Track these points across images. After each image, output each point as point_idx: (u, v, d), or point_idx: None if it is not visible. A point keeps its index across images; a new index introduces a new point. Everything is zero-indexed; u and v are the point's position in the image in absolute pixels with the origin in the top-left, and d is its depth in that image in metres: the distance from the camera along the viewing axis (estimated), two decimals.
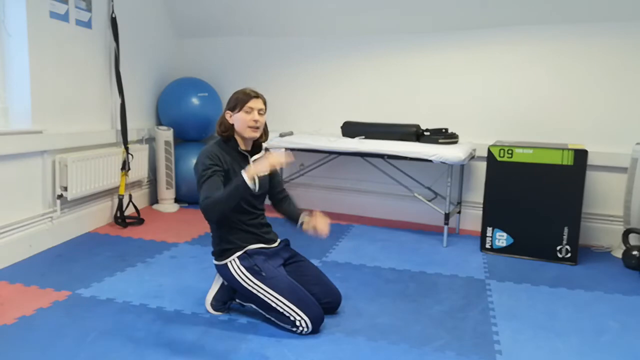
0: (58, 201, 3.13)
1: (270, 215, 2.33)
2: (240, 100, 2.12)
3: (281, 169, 4.15)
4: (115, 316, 2.16)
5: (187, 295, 2.41)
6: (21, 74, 2.90)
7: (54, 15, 3.04)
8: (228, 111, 2.16)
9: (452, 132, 3.51)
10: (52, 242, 3.10)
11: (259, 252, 2.16)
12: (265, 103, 2.17)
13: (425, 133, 3.55)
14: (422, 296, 2.49)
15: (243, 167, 2.07)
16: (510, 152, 3.12)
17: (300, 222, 2.23)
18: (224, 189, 1.98)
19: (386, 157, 3.38)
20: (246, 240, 2.16)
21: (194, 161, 4.13)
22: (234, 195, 1.95)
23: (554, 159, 3.03)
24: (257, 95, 2.14)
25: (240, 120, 2.13)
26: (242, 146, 2.19)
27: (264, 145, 2.32)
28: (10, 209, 2.80)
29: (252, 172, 1.94)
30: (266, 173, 2.02)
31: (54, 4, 3.03)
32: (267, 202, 2.34)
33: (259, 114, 2.14)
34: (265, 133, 2.23)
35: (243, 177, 1.93)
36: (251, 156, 2.22)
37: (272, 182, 2.32)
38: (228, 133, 2.17)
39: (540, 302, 2.47)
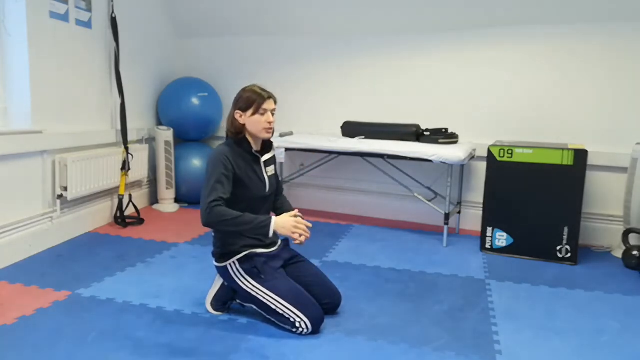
0: (58, 201, 3.13)
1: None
2: (254, 102, 2.07)
3: (281, 167, 4.18)
4: (115, 316, 2.16)
5: (187, 295, 2.41)
6: (21, 74, 2.90)
7: (54, 15, 3.04)
8: (238, 111, 2.10)
9: (452, 132, 3.51)
10: (52, 242, 3.10)
11: (260, 254, 2.15)
12: (276, 102, 2.15)
13: (425, 133, 3.55)
14: (422, 296, 2.49)
15: (256, 171, 2.14)
16: (510, 152, 3.12)
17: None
18: (245, 215, 1.96)
19: (386, 157, 3.38)
20: (248, 245, 2.15)
21: (194, 161, 4.18)
22: (248, 229, 1.96)
23: (554, 159, 3.03)
24: (270, 96, 2.11)
25: (255, 123, 2.09)
26: (253, 147, 2.16)
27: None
28: (10, 209, 2.80)
29: (276, 229, 1.98)
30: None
31: (54, 4, 3.03)
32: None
33: (272, 114, 2.12)
34: None
35: (270, 224, 1.95)
36: (262, 156, 2.21)
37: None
38: (242, 135, 2.13)
39: (540, 302, 2.47)
